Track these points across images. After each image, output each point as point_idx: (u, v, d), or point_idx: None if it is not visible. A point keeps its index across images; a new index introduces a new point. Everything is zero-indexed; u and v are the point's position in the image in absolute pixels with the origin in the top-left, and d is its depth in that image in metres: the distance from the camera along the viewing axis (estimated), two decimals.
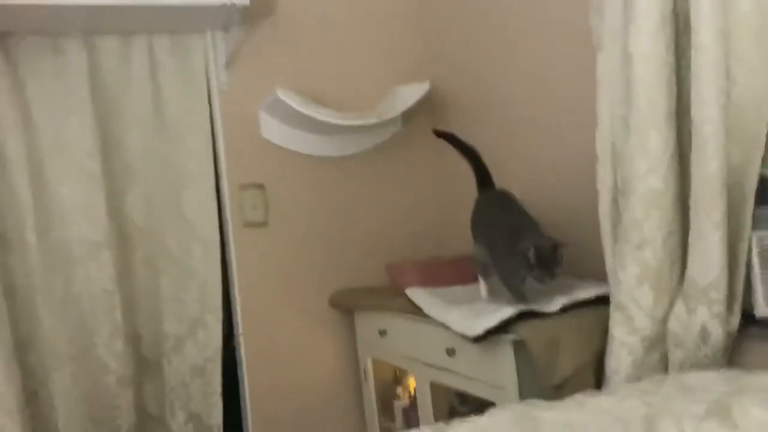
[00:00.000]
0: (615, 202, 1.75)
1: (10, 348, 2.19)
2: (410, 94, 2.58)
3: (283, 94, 2.41)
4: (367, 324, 2.57)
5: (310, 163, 2.66)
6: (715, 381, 1.38)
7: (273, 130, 2.59)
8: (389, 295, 2.43)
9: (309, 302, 2.64)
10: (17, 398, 2.17)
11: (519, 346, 1.78)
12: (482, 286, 2.03)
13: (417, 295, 2.21)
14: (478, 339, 1.83)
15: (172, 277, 2.48)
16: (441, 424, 1.47)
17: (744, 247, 1.52)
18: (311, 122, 2.50)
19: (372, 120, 2.54)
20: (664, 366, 1.66)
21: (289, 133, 2.61)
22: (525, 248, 1.71)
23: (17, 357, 2.21)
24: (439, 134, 2.23)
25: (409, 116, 2.72)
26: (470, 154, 2.11)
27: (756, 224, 1.50)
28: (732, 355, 1.57)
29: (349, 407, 2.68)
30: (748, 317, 1.54)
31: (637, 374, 1.64)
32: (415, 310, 2.16)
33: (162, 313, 2.48)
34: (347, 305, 2.65)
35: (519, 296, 1.83)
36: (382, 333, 2.43)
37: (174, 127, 2.49)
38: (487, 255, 1.94)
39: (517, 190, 2.00)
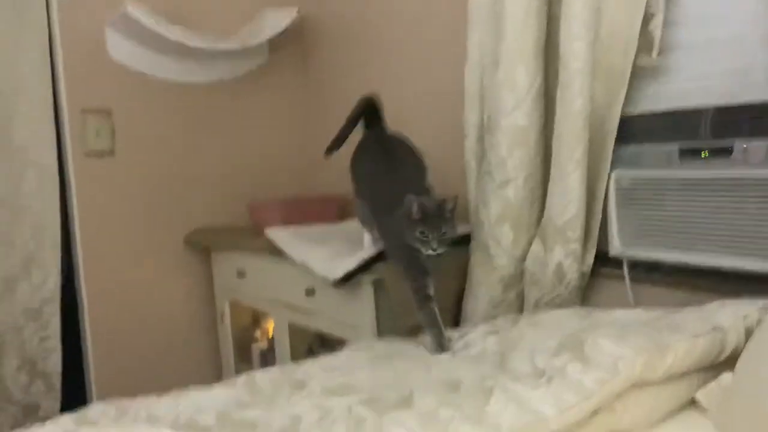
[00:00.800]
0: (481, 140, 1.71)
1: None
2: (277, 20, 2.41)
3: (133, 10, 2.17)
4: (225, 265, 2.43)
5: (167, 90, 2.43)
6: (567, 318, 1.39)
7: (123, 50, 2.33)
8: (249, 235, 2.30)
9: (162, 240, 2.45)
10: None
11: (378, 286, 1.72)
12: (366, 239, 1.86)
13: (277, 234, 2.10)
14: (339, 282, 1.76)
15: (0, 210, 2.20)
16: (291, 364, 1.39)
17: (602, 186, 1.52)
18: (166, 43, 2.27)
19: (234, 45, 2.35)
20: (520, 305, 1.67)
21: (142, 55, 2.36)
22: (405, 212, 1.39)
23: None
24: (336, 143, 1.76)
25: (276, 45, 2.55)
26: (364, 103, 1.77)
27: (615, 163, 1.50)
28: (586, 293, 1.59)
29: (205, 352, 2.55)
30: (603, 257, 1.55)
31: (494, 313, 1.63)
32: (276, 251, 2.05)
33: None
34: (204, 244, 2.49)
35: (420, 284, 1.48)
36: (241, 274, 2.31)
37: (4, 42, 2.18)
38: (369, 213, 1.67)
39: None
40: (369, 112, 1.77)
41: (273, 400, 1.10)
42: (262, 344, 2.41)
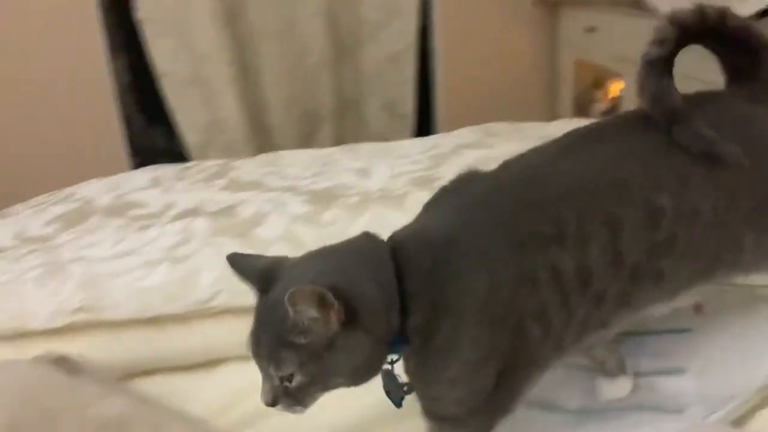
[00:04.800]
0: None
1: (221, 16, 2.25)
2: None
3: None
4: (574, 21, 2.37)
5: None
6: None
7: None
8: None
9: None
10: (229, 66, 2.29)
11: None
12: None
13: None
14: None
15: None
16: None
17: None
18: None
19: None
20: None
21: None
22: None
23: (228, 26, 2.28)
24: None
25: None
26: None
27: None
28: None
29: (541, 110, 2.61)
30: None
31: None
32: (636, 2, 1.93)
33: None
34: (553, 0, 2.44)
35: None
36: (590, 30, 2.24)
37: None
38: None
39: None
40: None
41: None
42: (603, 104, 2.38)
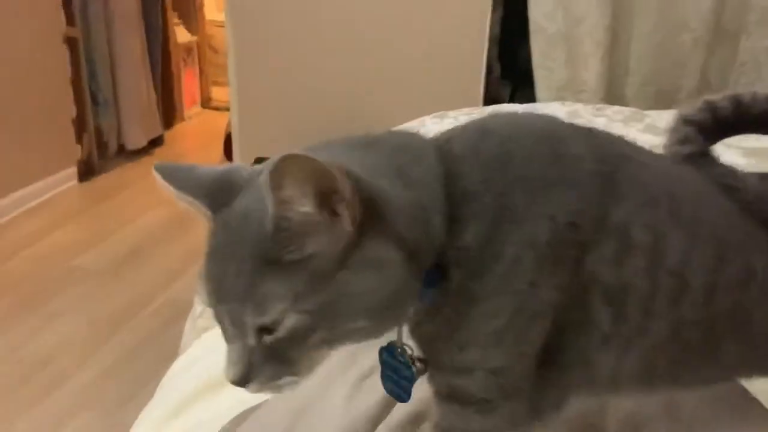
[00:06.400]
0: None
1: None
2: None
3: None
4: None
5: None
6: None
7: None
8: None
9: None
10: (605, 30, 2.30)
11: None
12: None
13: None
14: None
15: None
16: None
17: None
18: None
19: None
20: None
21: None
22: None
23: None
24: None
25: None
26: None
27: None
28: None
29: None
30: None
31: None
32: None
33: None
34: None
35: None
36: None
37: None
38: None
39: None
40: None
41: None
42: None
